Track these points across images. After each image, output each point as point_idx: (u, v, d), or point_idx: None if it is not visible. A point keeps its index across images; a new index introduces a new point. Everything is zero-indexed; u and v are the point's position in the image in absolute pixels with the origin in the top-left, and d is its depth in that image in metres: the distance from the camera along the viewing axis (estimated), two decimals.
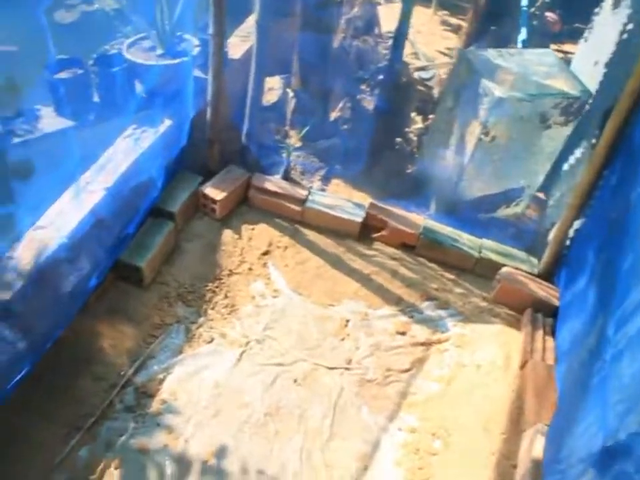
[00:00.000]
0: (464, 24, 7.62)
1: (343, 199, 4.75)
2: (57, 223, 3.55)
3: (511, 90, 4.26)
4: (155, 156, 4.11)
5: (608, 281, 3.30)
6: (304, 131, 5.03)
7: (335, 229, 4.66)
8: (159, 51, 4.58)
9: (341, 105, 5.64)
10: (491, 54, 4.56)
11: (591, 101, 4.38)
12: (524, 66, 4.52)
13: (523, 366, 3.95)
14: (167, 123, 4.35)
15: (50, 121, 4.27)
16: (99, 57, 4.54)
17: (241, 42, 5.37)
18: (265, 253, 4.52)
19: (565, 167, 4.78)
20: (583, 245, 4.03)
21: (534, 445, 3.39)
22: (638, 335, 2.63)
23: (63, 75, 4.23)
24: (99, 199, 3.73)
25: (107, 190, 3.78)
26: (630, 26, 4.04)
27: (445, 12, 8.64)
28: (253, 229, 4.65)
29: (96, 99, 4.42)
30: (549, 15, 7.26)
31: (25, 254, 3.33)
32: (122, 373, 3.74)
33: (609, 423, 2.55)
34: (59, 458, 3.35)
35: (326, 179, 5.08)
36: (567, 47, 7.24)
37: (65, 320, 3.62)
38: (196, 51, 4.64)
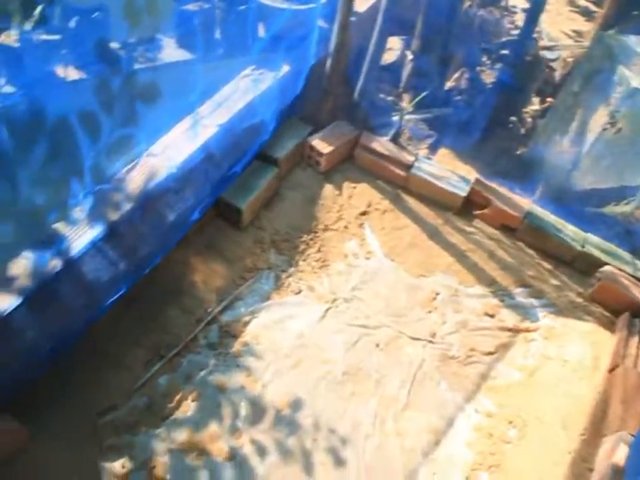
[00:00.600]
0: (593, 7, 7.30)
1: (448, 171, 4.63)
2: (168, 152, 3.58)
3: None
4: (271, 100, 4.09)
5: None
6: (420, 97, 4.90)
7: (437, 200, 4.56)
8: None
9: (457, 74, 5.48)
10: (633, 41, 4.30)
11: None
12: None
13: (612, 370, 3.80)
14: (286, 68, 4.29)
15: (171, 51, 4.28)
16: None
17: None
18: (363, 214, 4.47)
19: None
20: None
21: (615, 452, 3.27)
22: None
23: (190, 7, 4.22)
24: (212, 134, 3.74)
25: (220, 127, 3.79)
26: None
27: None
28: (354, 188, 4.60)
29: (219, 35, 4.40)
30: None
31: (135, 178, 3.38)
32: (209, 310, 3.80)
33: None
34: (140, 382, 3.45)
35: (433, 148, 4.96)
36: None
37: (164, 248, 3.68)
38: None
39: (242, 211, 4.03)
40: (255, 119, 4.00)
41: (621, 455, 3.23)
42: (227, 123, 3.82)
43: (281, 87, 4.22)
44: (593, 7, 7.56)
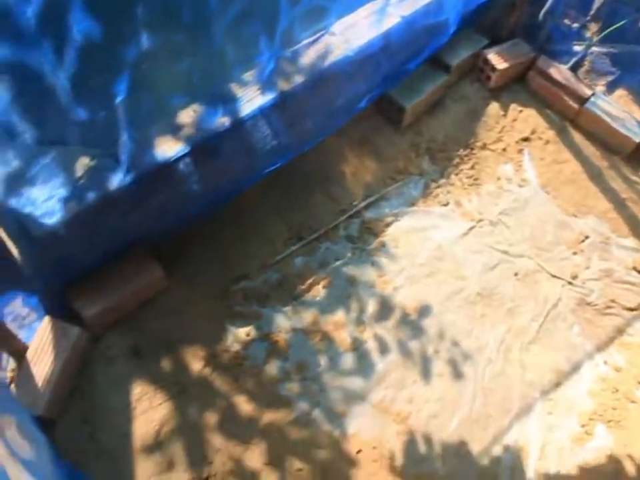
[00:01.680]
0: None
1: (626, 112, 4.29)
2: (347, 34, 3.48)
3: None
4: (457, 1, 3.87)
5: None
6: (612, 28, 4.52)
7: (606, 141, 4.25)
8: None
9: None
10: None
11: None
12: None
13: None
14: None
15: None
16: None
17: None
18: (525, 139, 4.25)
19: None
20: None
21: None
22: None
23: None
24: (394, 24, 3.60)
25: (403, 18, 3.63)
26: None
27: None
28: (520, 111, 4.35)
29: None
30: None
31: (314, 53, 3.31)
32: (354, 203, 3.77)
33: None
34: (278, 258, 3.49)
35: (611, 86, 4.59)
36: None
37: (327, 130, 3.64)
38: None
39: (405, 111, 3.92)
40: (438, 18, 3.81)
41: None
42: (411, 16, 3.66)
43: None
44: None
